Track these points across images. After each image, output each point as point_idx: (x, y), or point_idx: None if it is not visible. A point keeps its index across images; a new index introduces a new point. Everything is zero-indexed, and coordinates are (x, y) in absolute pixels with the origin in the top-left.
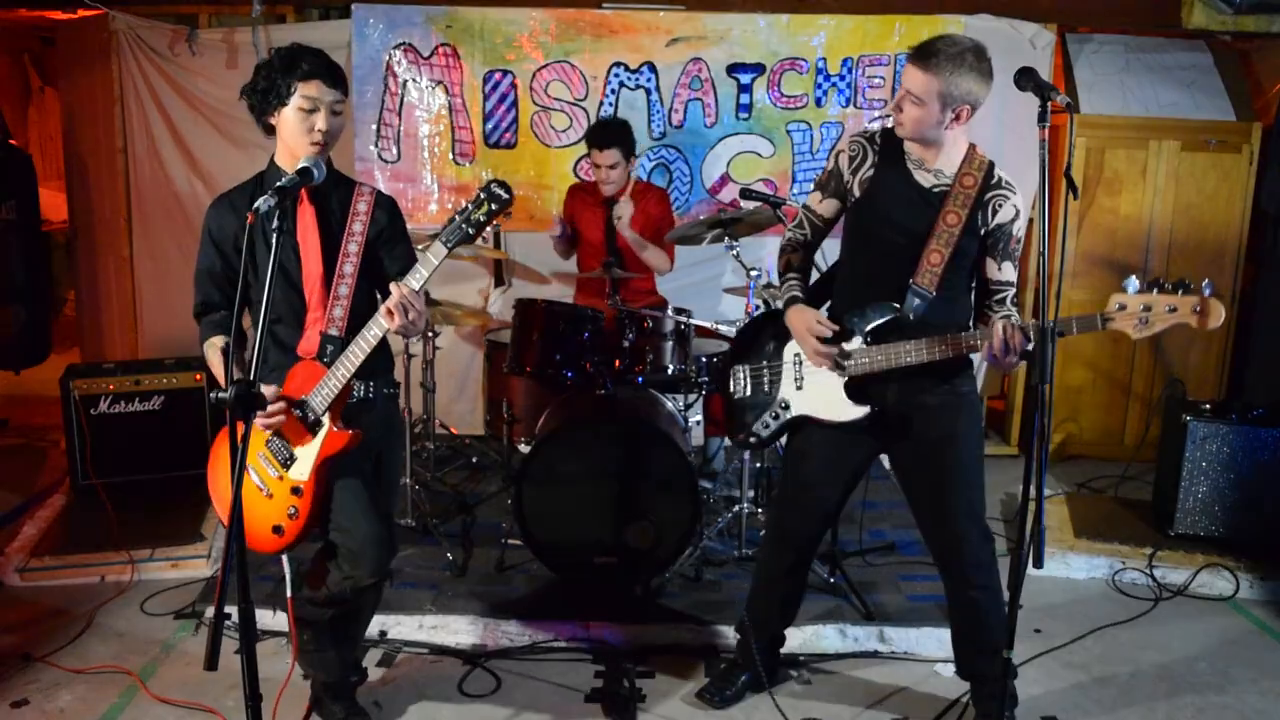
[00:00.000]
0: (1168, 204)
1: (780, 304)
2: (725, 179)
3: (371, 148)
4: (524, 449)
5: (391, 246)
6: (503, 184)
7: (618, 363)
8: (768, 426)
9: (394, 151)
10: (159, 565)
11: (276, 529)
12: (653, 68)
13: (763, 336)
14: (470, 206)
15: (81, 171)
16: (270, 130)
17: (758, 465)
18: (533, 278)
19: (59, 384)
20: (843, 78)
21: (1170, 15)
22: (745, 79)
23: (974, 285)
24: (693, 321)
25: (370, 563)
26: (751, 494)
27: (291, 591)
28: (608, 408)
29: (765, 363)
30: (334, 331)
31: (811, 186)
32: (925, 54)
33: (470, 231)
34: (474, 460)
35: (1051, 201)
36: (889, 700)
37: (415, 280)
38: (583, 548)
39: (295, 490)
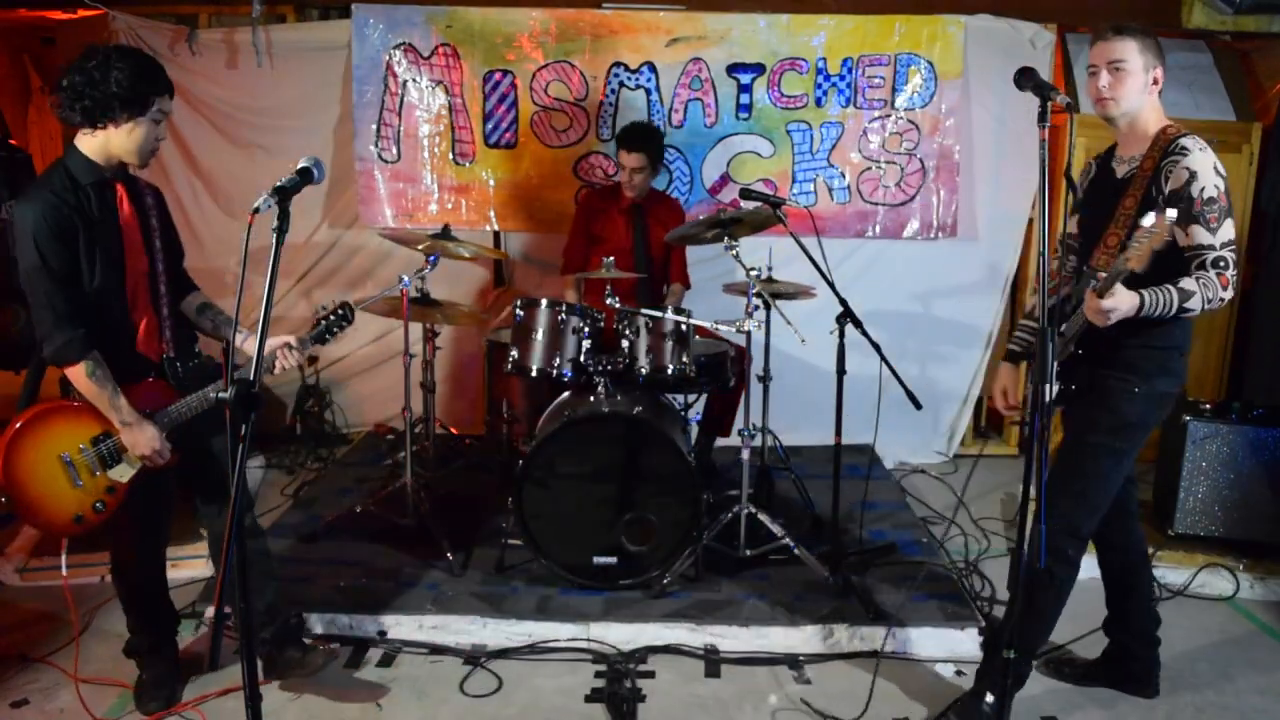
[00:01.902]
0: None
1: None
2: (725, 179)
3: (371, 148)
4: (524, 449)
5: (170, 236)
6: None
7: (618, 363)
8: None
9: (394, 151)
10: None
11: (78, 518)
12: (653, 68)
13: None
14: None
15: None
16: (94, 125)
17: (757, 465)
18: (533, 278)
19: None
20: (843, 78)
21: (1170, 15)
22: (745, 79)
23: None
24: (693, 321)
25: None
26: (751, 493)
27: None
28: (608, 408)
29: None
30: (169, 350)
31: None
32: (1118, 28)
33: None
34: (474, 460)
35: (1051, 201)
36: (889, 700)
37: (298, 351)
38: (583, 548)
39: (110, 489)
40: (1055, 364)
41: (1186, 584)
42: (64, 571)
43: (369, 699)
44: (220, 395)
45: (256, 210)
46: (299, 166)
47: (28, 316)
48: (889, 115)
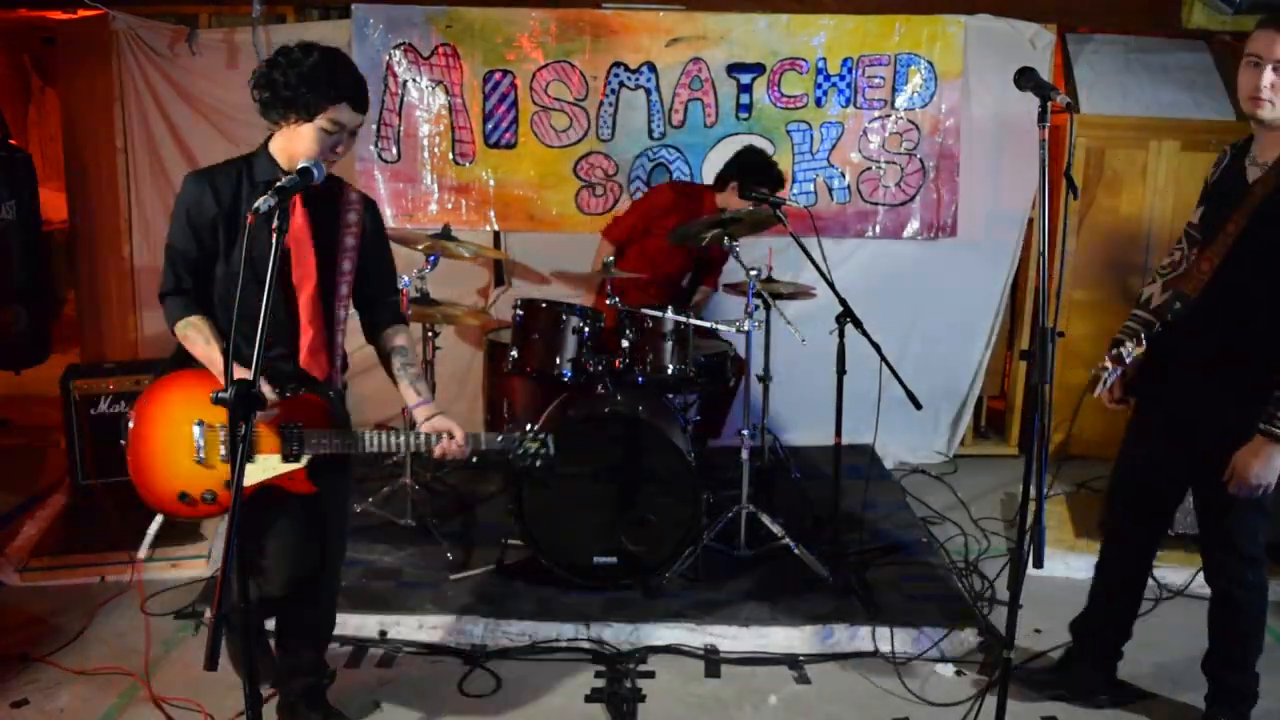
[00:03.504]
0: (1168, 204)
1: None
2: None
3: (371, 148)
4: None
5: (375, 256)
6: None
7: (618, 363)
8: None
9: (394, 151)
10: (159, 565)
11: (183, 496)
12: (653, 68)
13: None
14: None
15: (81, 171)
16: (272, 122)
17: (757, 465)
18: (533, 278)
19: (59, 384)
20: (843, 78)
21: (1170, 15)
22: (745, 79)
23: None
24: (693, 321)
25: (280, 576)
26: (751, 493)
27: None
28: (608, 408)
29: None
30: (337, 378)
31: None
32: None
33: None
34: (474, 460)
35: (1051, 201)
36: (889, 700)
37: (472, 443)
38: (583, 548)
39: (228, 484)
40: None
41: (1187, 584)
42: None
43: (369, 699)
44: (220, 395)
45: (257, 210)
46: (299, 166)
47: (28, 316)
48: (889, 115)
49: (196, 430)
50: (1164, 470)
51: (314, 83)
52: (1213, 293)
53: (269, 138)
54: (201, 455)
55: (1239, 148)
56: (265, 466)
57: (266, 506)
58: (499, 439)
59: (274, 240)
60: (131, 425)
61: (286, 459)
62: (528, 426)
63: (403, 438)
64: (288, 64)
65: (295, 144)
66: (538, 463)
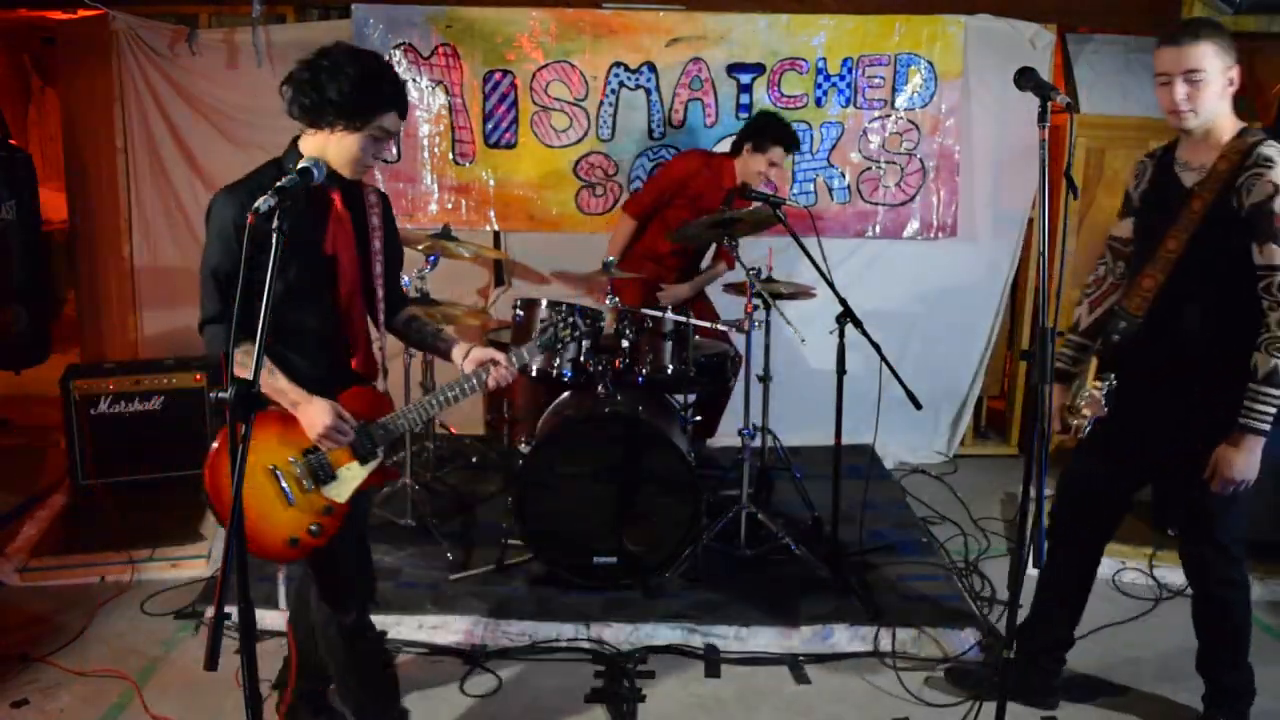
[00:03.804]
0: None
1: None
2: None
3: None
4: (524, 449)
5: (391, 254)
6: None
7: (618, 363)
8: None
9: (394, 151)
10: (159, 565)
11: (293, 541)
12: (653, 68)
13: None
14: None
15: (81, 171)
16: (314, 126)
17: (757, 465)
18: (532, 278)
19: (59, 384)
20: (843, 78)
21: (1170, 15)
22: (745, 79)
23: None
24: (693, 321)
25: (360, 596)
26: (751, 493)
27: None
28: (608, 408)
29: None
30: (381, 368)
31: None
32: (1191, 30)
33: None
34: (474, 460)
35: (1051, 201)
36: (889, 701)
37: (517, 360)
38: (583, 548)
39: (327, 509)
40: (1104, 385)
41: (1186, 584)
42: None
43: None
44: (220, 395)
45: (257, 210)
46: (299, 166)
47: (28, 316)
48: (889, 115)
49: (277, 477)
50: (1115, 481)
51: (366, 91)
52: (1158, 309)
53: (296, 139)
54: (292, 499)
55: (1161, 154)
56: (349, 477)
57: (353, 519)
58: (537, 344)
59: (274, 240)
60: (215, 507)
61: (365, 461)
62: (560, 311)
63: (455, 390)
64: (336, 70)
65: (339, 150)
66: (576, 333)
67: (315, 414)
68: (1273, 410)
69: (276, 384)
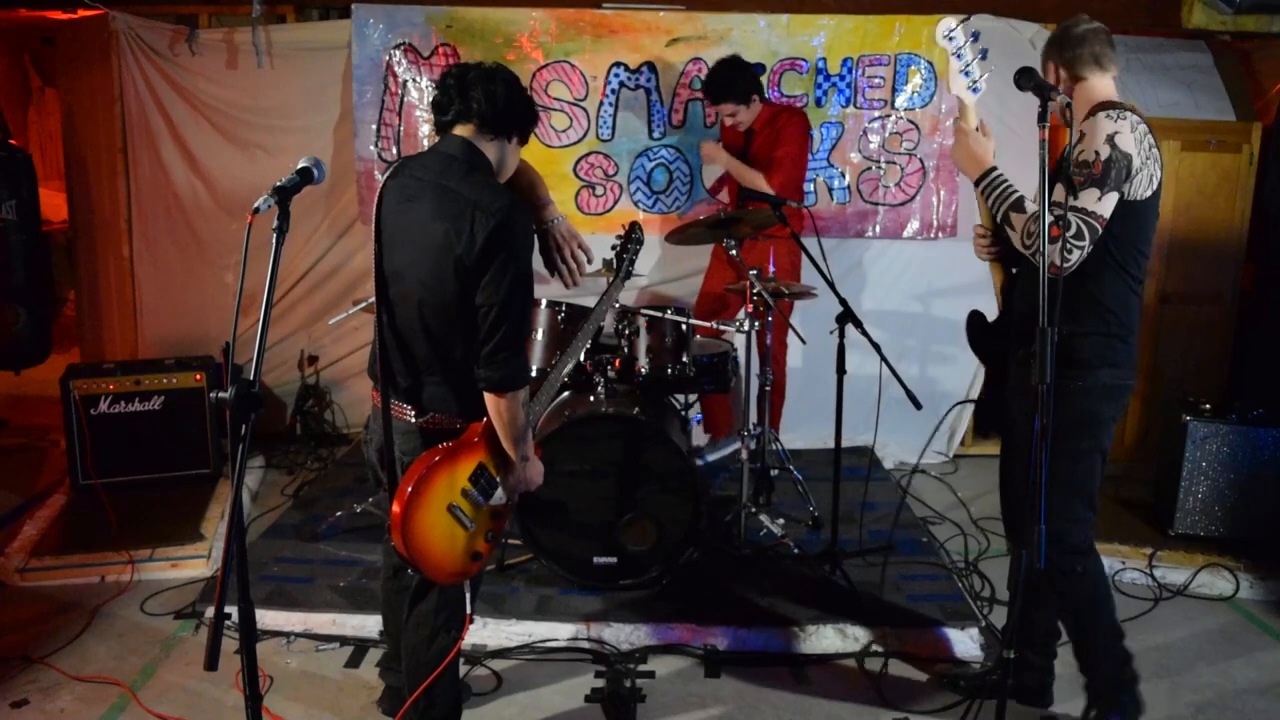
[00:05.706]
0: (1168, 204)
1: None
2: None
3: (371, 148)
4: None
5: None
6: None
7: (618, 363)
8: None
9: (394, 151)
10: (159, 565)
11: (475, 555)
12: (653, 68)
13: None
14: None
15: (81, 171)
16: (495, 135)
17: (757, 465)
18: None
19: (59, 384)
20: (843, 78)
21: (1170, 15)
22: None
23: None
24: (693, 321)
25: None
26: (751, 493)
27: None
28: (608, 408)
29: None
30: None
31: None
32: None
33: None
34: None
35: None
36: (889, 700)
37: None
38: (583, 547)
39: (496, 515)
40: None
41: (1186, 584)
42: None
43: (369, 699)
44: (220, 395)
45: (257, 210)
46: (299, 166)
47: (28, 316)
48: (889, 115)
49: (455, 512)
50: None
51: (530, 105)
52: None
53: (468, 147)
54: (471, 525)
55: None
56: (502, 479)
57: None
58: (620, 278)
59: (274, 240)
60: (409, 555)
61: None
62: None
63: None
64: (509, 83)
65: (510, 159)
66: (634, 251)
67: (539, 471)
68: (997, 192)
69: (529, 435)
